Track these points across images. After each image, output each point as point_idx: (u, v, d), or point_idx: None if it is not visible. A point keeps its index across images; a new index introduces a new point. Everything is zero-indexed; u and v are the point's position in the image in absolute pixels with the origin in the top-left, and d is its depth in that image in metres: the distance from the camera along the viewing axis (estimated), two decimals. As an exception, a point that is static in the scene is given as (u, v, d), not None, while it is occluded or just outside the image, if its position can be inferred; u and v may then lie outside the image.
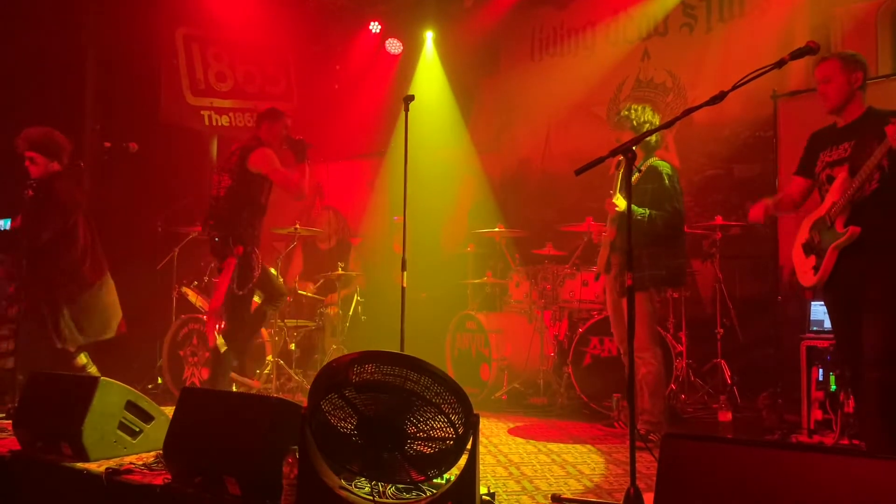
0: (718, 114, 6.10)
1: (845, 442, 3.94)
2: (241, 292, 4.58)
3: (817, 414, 4.14)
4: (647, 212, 4.25)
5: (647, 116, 4.44)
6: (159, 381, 5.99)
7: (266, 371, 5.93)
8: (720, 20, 6.43)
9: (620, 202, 4.13)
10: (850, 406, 3.97)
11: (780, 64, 3.07)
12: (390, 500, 2.74)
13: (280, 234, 6.53)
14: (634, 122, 4.41)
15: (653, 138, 4.39)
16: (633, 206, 4.23)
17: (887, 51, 5.53)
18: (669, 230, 4.34)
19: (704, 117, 6.21)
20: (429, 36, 8.09)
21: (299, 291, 6.41)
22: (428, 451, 2.58)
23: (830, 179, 3.46)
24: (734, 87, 2.89)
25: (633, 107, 4.51)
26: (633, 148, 2.96)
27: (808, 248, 3.53)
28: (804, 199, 3.72)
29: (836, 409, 4.03)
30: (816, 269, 3.44)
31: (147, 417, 3.65)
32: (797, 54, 3.11)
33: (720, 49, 6.40)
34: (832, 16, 5.75)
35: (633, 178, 4.34)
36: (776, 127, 5.35)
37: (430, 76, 8.03)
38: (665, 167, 4.42)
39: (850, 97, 3.45)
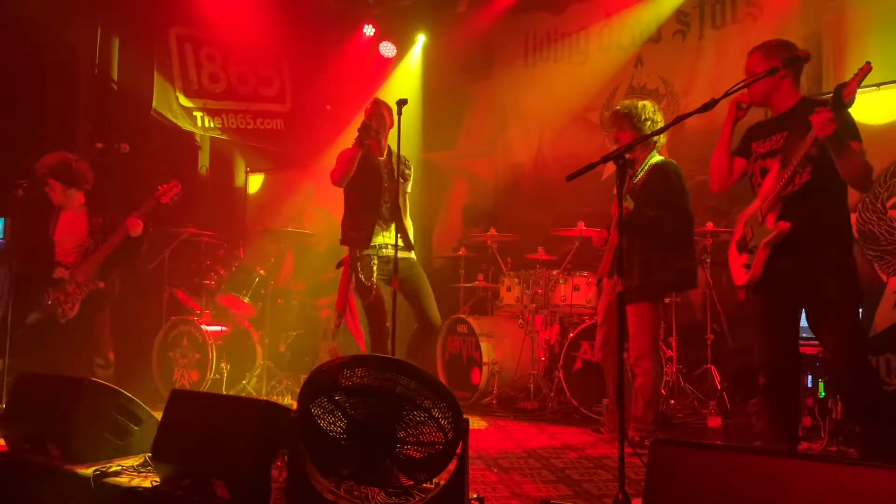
0: (710, 120, 6.11)
1: (833, 448, 3.95)
2: (369, 283, 4.67)
3: (806, 420, 4.15)
4: (665, 213, 4.15)
5: (649, 114, 4.29)
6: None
7: (256, 374, 5.92)
8: (713, 27, 6.46)
9: (629, 203, 4.10)
10: (839, 412, 3.99)
11: (773, 72, 3.10)
12: (379, 505, 2.74)
13: (272, 234, 6.53)
14: (635, 121, 4.27)
15: (660, 137, 4.35)
16: (648, 207, 4.17)
17: (878, 59, 5.56)
18: (680, 232, 4.23)
19: (696, 124, 6.22)
20: (420, 39, 8.10)
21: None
22: (417, 455, 2.57)
23: (764, 172, 3.37)
24: (725, 95, 2.92)
25: (633, 103, 4.34)
26: (635, 148, 2.95)
27: (741, 246, 3.44)
28: (730, 178, 3.58)
29: (824, 416, 4.04)
30: (748, 267, 3.34)
31: (136, 419, 3.63)
32: (789, 62, 3.14)
33: (713, 56, 6.43)
34: (824, 23, 5.78)
35: (638, 179, 4.31)
36: (767, 134, 5.36)
37: (422, 79, 8.03)
38: (672, 165, 4.30)
39: (772, 88, 3.35)
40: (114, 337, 5.07)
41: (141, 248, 5.02)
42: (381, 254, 4.74)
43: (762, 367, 3.36)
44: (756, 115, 3.68)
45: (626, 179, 4.29)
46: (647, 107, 4.33)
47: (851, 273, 3.23)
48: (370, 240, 4.71)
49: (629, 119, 4.29)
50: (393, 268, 4.21)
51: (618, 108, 4.44)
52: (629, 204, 4.13)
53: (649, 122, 4.26)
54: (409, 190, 4.96)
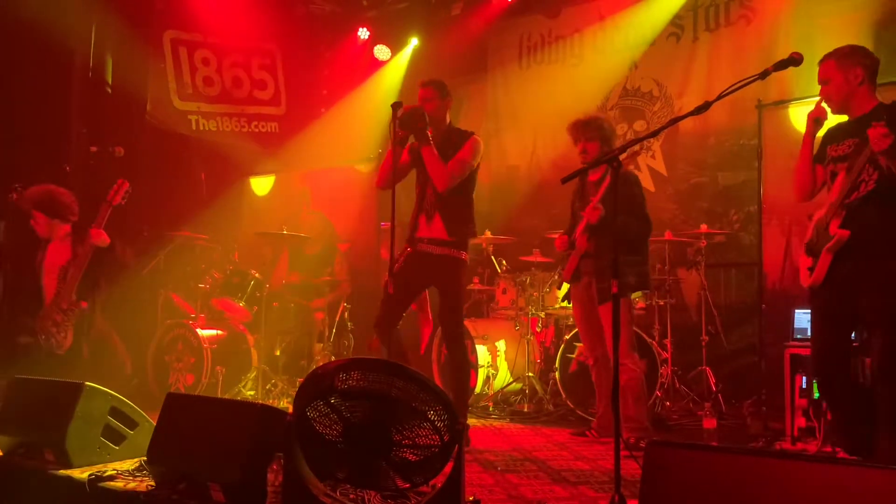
0: (704, 123, 6.16)
1: (828, 449, 3.96)
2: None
3: (801, 421, 4.17)
4: (629, 219, 4.23)
5: (611, 125, 4.56)
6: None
7: (251, 377, 5.91)
8: (706, 30, 6.49)
9: (600, 209, 4.18)
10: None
11: (764, 75, 3.10)
12: (375, 508, 2.74)
13: (266, 237, 6.52)
14: (608, 132, 4.44)
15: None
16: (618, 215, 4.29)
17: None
18: (641, 236, 4.39)
19: (690, 126, 6.26)
20: (413, 42, 8.11)
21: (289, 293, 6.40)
22: (413, 458, 2.57)
23: (834, 176, 3.40)
24: (719, 97, 2.92)
25: (595, 115, 4.59)
26: (619, 157, 2.97)
27: (809, 249, 3.49)
28: (815, 187, 3.58)
29: (819, 417, 4.05)
30: (811, 270, 3.40)
31: (131, 423, 3.62)
32: (781, 65, 3.14)
33: (707, 58, 6.45)
34: (816, 26, 5.81)
35: (607, 185, 4.34)
36: (761, 135, 5.39)
37: (410, 81, 8.03)
38: (632, 174, 4.50)
39: (851, 94, 3.39)
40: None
41: (116, 256, 4.94)
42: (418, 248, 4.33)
43: (814, 368, 3.46)
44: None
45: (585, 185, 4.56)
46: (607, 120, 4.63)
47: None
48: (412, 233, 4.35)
49: (599, 130, 4.43)
50: (390, 266, 4.17)
51: (581, 118, 4.53)
52: (600, 210, 4.21)
53: (612, 133, 4.49)
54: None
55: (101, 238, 4.73)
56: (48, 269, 4.85)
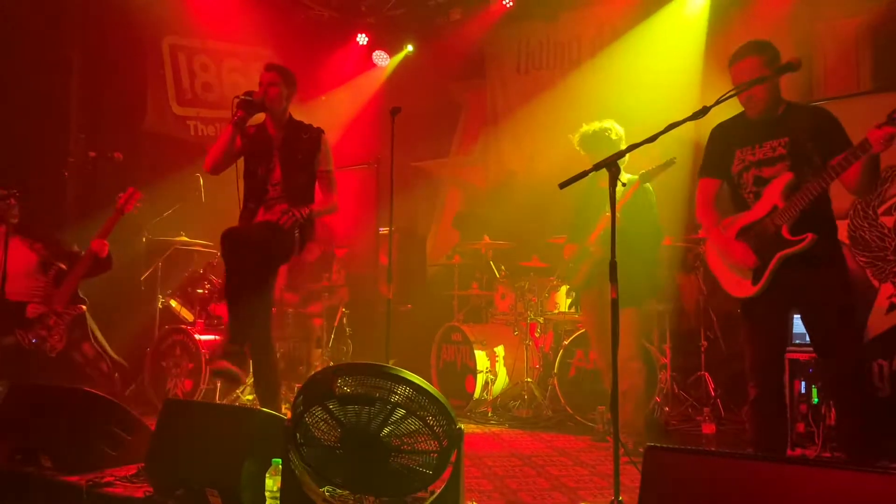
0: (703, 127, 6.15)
1: (827, 454, 3.96)
2: None
3: (799, 426, 4.16)
4: (643, 228, 4.34)
5: (619, 132, 4.51)
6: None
7: (250, 383, 5.89)
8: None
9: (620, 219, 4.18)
10: (832, 418, 3.99)
11: (762, 80, 3.11)
12: (374, 513, 2.73)
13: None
14: (614, 137, 4.47)
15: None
16: (630, 222, 4.27)
17: (868, 67, 5.61)
18: (657, 244, 4.46)
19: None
20: (408, 48, 8.13)
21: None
22: (412, 463, 2.57)
23: (760, 181, 3.26)
24: (717, 102, 2.92)
25: (600, 126, 4.52)
26: (617, 161, 2.97)
27: (754, 257, 3.28)
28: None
29: (818, 422, 4.05)
30: (756, 278, 3.24)
31: (129, 429, 3.61)
32: (779, 71, 3.15)
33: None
34: (814, 32, 5.82)
35: (622, 194, 4.35)
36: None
37: (415, 86, 8.05)
38: (649, 186, 4.47)
39: (778, 94, 3.25)
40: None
41: (109, 266, 4.98)
42: None
43: (754, 377, 3.30)
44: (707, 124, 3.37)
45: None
46: (614, 126, 4.52)
47: (849, 282, 3.27)
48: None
49: (606, 139, 4.45)
50: (388, 271, 4.18)
51: (584, 129, 4.56)
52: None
53: (619, 139, 4.47)
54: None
55: (103, 249, 4.74)
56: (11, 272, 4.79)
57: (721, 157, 3.42)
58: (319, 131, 4.17)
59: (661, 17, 6.68)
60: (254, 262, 3.85)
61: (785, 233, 3.16)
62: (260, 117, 4.14)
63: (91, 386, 4.50)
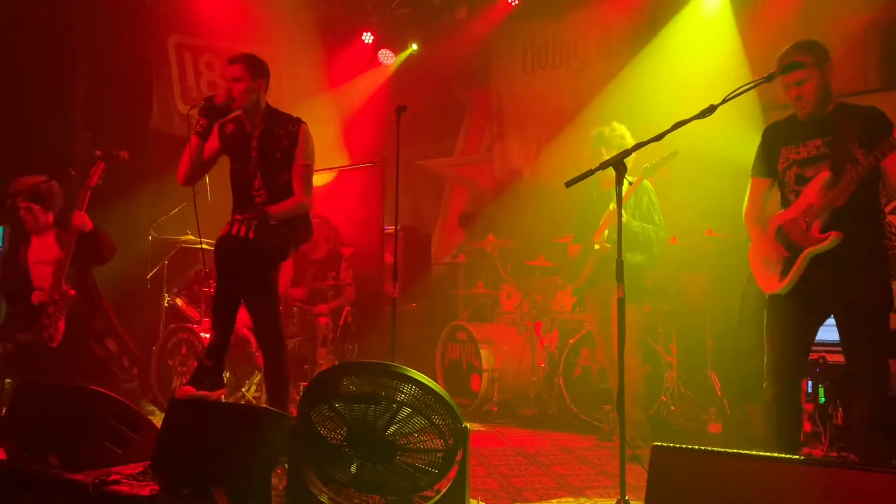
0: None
1: (834, 454, 3.95)
2: None
3: (807, 426, 4.15)
4: (647, 225, 4.44)
5: (622, 131, 4.57)
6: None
7: (255, 381, 5.90)
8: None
9: (625, 217, 4.22)
10: (840, 418, 3.98)
11: (770, 78, 3.10)
12: (380, 512, 2.73)
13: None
14: (618, 139, 4.53)
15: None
16: (635, 220, 4.44)
17: (876, 65, 5.59)
18: (660, 243, 4.51)
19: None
20: (413, 47, 8.12)
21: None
22: (418, 462, 2.57)
23: (801, 179, 3.23)
24: (724, 101, 2.91)
25: (609, 127, 4.61)
26: (624, 160, 2.96)
27: (783, 252, 3.27)
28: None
29: (825, 422, 4.04)
30: (784, 274, 3.22)
31: (135, 427, 3.61)
32: (787, 68, 3.14)
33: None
34: (821, 30, 5.79)
35: (626, 192, 4.38)
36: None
37: (420, 85, 8.05)
38: (647, 182, 4.53)
39: (827, 93, 3.21)
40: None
41: (99, 240, 4.75)
42: None
43: (771, 375, 3.25)
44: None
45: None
46: (620, 126, 4.61)
47: (888, 286, 3.16)
48: None
49: (612, 139, 4.54)
50: (393, 270, 4.17)
51: (601, 133, 4.64)
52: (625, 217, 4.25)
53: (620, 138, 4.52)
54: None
55: (84, 221, 4.65)
56: (34, 262, 4.79)
57: (769, 155, 3.39)
58: (298, 123, 3.90)
59: (665, 13, 6.63)
60: (244, 276, 3.81)
61: (815, 230, 3.13)
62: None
63: (112, 382, 4.51)
